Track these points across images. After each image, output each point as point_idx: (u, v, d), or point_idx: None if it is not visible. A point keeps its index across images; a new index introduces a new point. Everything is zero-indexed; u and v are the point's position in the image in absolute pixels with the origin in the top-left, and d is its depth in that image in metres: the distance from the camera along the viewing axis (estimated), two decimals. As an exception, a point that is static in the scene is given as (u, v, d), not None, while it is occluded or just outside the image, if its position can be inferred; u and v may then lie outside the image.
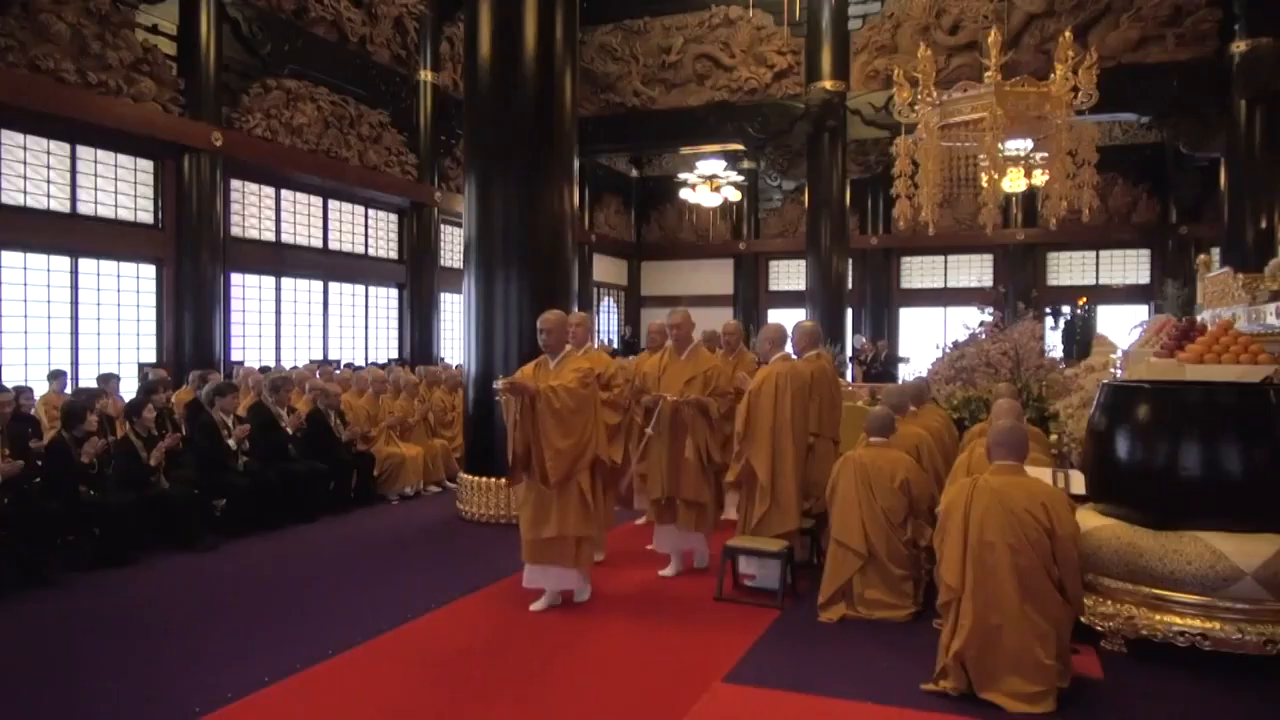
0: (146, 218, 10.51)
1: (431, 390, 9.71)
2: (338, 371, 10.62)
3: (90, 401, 6.55)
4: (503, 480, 6.93)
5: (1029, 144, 9.57)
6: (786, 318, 18.38)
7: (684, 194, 17.68)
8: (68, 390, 8.47)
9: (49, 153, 9.50)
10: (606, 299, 21.36)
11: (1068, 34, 7.96)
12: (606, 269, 20.97)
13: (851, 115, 14.78)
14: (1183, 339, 5.16)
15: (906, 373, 16.93)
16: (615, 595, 5.23)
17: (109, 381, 8.30)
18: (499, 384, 4.73)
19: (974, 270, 19.82)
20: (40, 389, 8.34)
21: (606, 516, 5.20)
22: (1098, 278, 19.02)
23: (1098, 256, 19.06)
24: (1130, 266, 18.87)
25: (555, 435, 4.69)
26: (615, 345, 18.95)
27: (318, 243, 13.27)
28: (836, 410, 5.87)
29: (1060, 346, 13.96)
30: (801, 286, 16.76)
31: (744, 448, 5.26)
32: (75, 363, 9.69)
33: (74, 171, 9.75)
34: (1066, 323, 15.72)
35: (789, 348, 5.68)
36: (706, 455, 5.57)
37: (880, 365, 14.87)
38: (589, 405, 4.85)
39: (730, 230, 21.26)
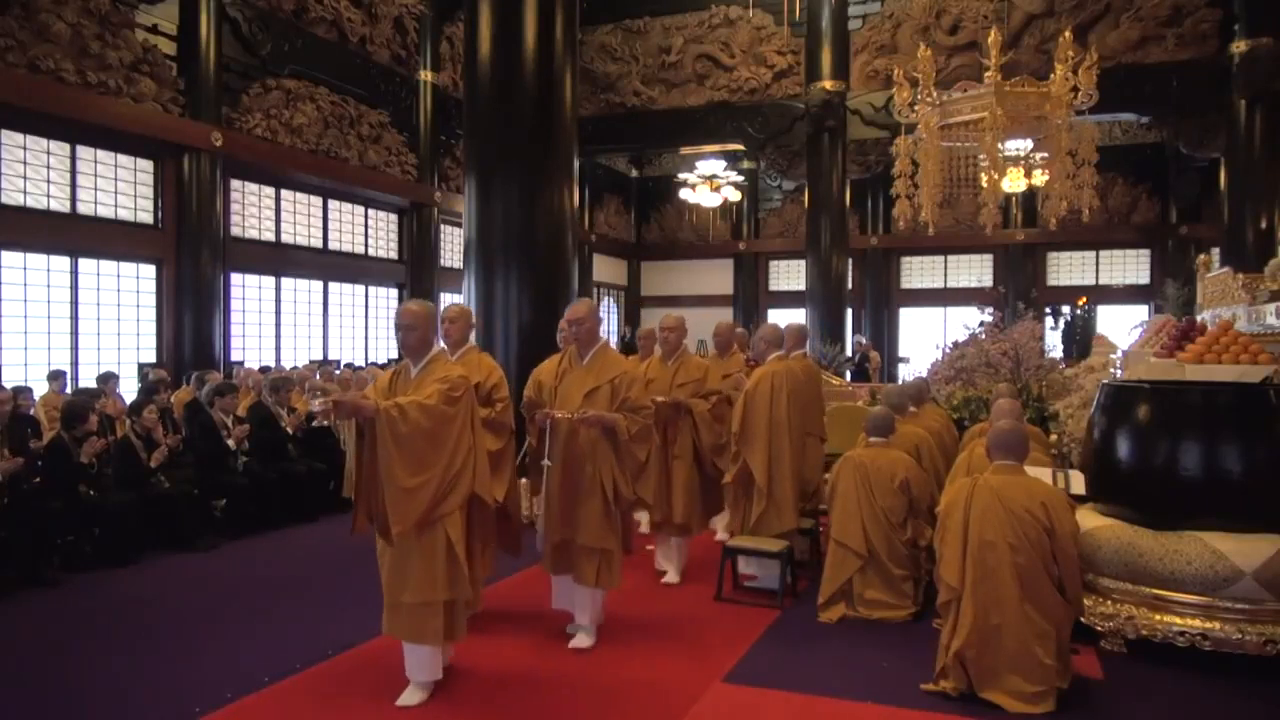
0: (146, 218, 10.51)
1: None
2: (338, 371, 10.62)
3: (91, 402, 6.55)
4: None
5: (1029, 144, 9.58)
6: (786, 318, 18.39)
7: (684, 194, 17.69)
8: (67, 390, 8.47)
9: (49, 153, 9.50)
10: (606, 299, 21.36)
11: (1068, 34, 7.98)
12: (606, 269, 20.97)
13: (851, 115, 14.78)
14: (1183, 339, 5.16)
15: (907, 373, 16.97)
16: (613, 598, 5.22)
17: (108, 381, 8.30)
18: (317, 405, 3.61)
19: (974, 270, 19.83)
20: (40, 389, 8.34)
21: (482, 569, 4.11)
22: (1098, 278, 19.03)
23: (1098, 256, 19.07)
24: (1130, 266, 18.88)
25: (400, 470, 3.50)
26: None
27: (317, 243, 13.27)
28: (822, 409, 5.85)
29: (1060, 346, 13.98)
30: (801, 286, 16.77)
31: (740, 448, 5.26)
32: (75, 363, 9.69)
33: (74, 171, 9.75)
34: (1066, 323, 15.73)
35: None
36: (613, 490, 4.32)
37: (856, 364, 14.88)
38: (455, 427, 3.64)
39: (730, 230, 21.26)
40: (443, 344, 3.99)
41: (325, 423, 3.24)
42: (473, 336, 4.73)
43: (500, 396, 4.43)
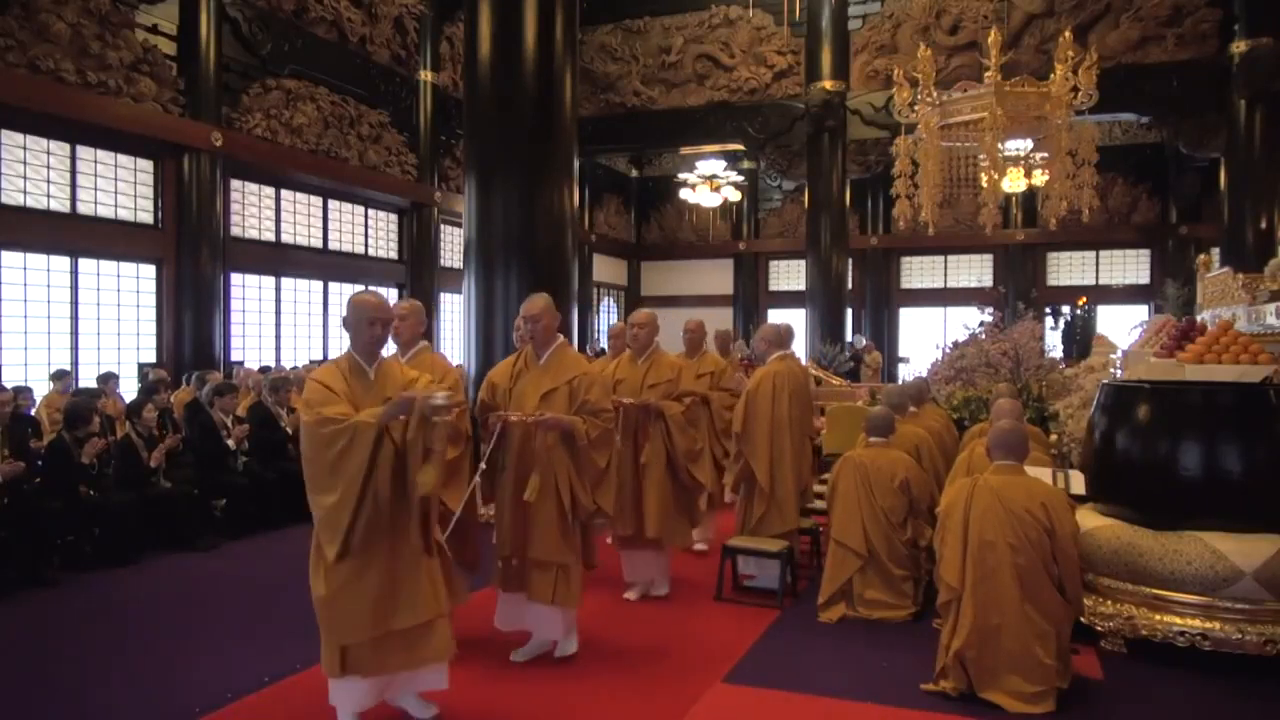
0: (146, 218, 10.50)
1: (431, 390, 9.69)
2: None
3: (94, 403, 6.55)
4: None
5: (1029, 144, 9.58)
6: (787, 318, 18.37)
7: (684, 194, 17.69)
8: (70, 390, 8.46)
9: (49, 153, 9.49)
10: (606, 299, 21.36)
11: (1068, 34, 7.97)
12: (606, 269, 20.97)
13: (851, 115, 14.78)
14: (1183, 339, 5.15)
15: (907, 373, 16.97)
16: (613, 599, 5.23)
17: (108, 381, 8.30)
18: (441, 398, 3.23)
19: (974, 270, 19.82)
20: (40, 389, 8.34)
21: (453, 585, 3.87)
22: (1098, 278, 19.02)
23: (1098, 256, 19.06)
24: (1130, 266, 18.87)
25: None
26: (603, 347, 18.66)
27: (317, 243, 13.26)
28: (813, 410, 5.83)
29: (1060, 346, 13.98)
30: (801, 286, 16.76)
31: (742, 448, 5.26)
32: (75, 363, 9.68)
33: (74, 171, 9.74)
34: (1066, 323, 15.73)
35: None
36: (571, 499, 4.04)
37: (853, 363, 14.83)
38: None
39: (730, 230, 21.26)
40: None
41: (447, 419, 3.04)
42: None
43: (457, 400, 4.02)
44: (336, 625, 3.20)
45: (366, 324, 3.37)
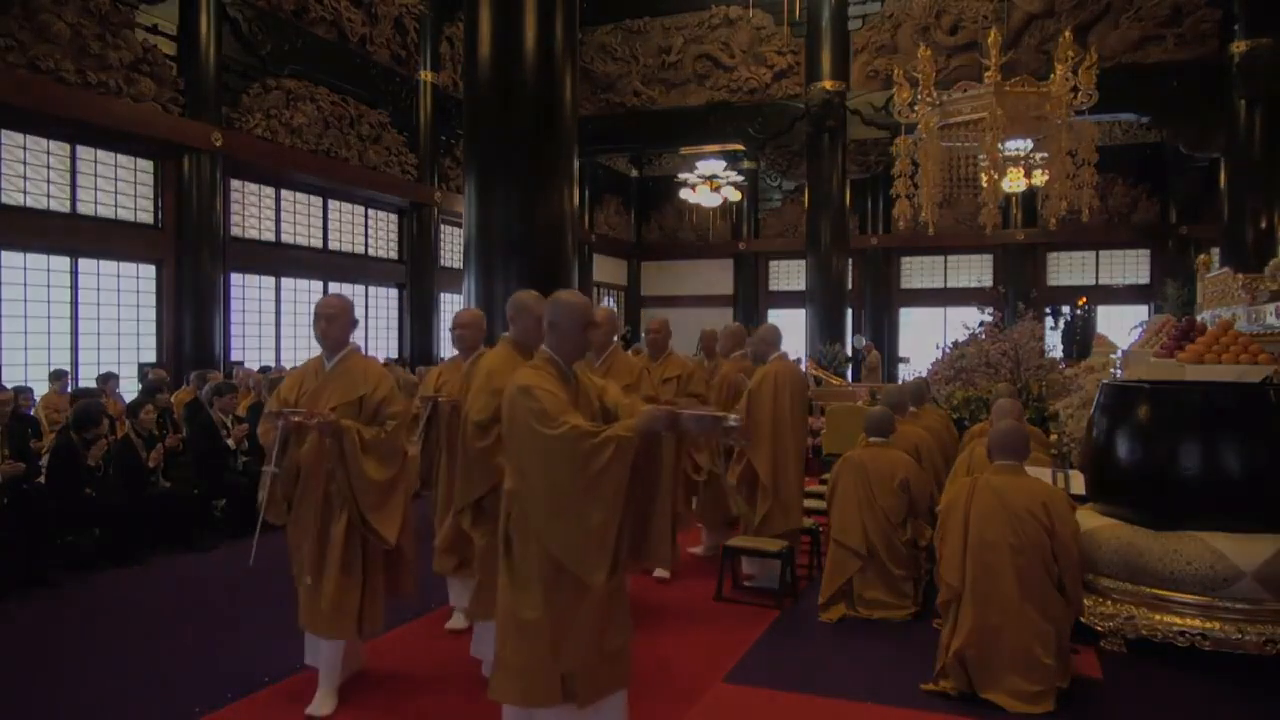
0: (146, 218, 10.51)
1: (431, 390, 9.70)
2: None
3: (103, 405, 6.55)
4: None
5: (1029, 144, 9.58)
6: (786, 318, 18.41)
7: (684, 194, 17.70)
8: (69, 390, 8.46)
9: (49, 153, 9.50)
10: (607, 299, 21.36)
11: (1068, 34, 7.98)
12: (606, 269, 20.97)
13: (851, 115, 14.79)
14: (1183, 339, 5.16)
15: (907, 373, 16.97)
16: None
17: (108, 381, 8.30)
18: (733, 419, 2.85)
19: (974, 270, 19.83)
20: (40, 389, 8.33)
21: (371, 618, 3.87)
22: (1098, 278, 19.03)
23: (1098, 256, 19.07)
24: (1130, 266, 18.87)
25: None
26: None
27: (318, 243, 13.27)
28: (807, 408, 5.86)
29: (1060, 346, 13.99)
30: (801, 286, 16.78)
31: (744, 447, 5.25)
32: (75, 363, 9.69)
33: (74, 171, 9.75)
34: (1066, 323, 15.74)
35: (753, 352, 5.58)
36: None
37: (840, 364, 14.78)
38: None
39: (730, 230, 21.27)
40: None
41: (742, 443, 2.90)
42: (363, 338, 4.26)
43: (392, 413, 3.77)
44: (561, 649, 2.88)
45: (580, 328, 3.04)
